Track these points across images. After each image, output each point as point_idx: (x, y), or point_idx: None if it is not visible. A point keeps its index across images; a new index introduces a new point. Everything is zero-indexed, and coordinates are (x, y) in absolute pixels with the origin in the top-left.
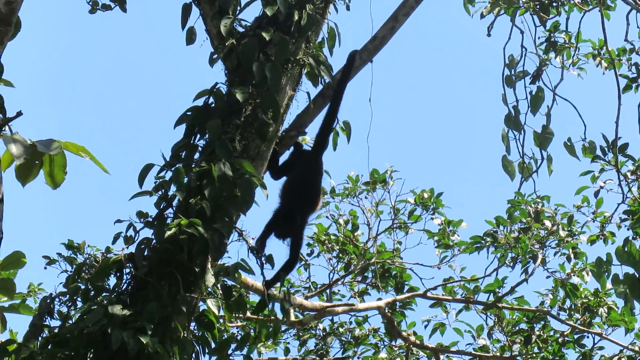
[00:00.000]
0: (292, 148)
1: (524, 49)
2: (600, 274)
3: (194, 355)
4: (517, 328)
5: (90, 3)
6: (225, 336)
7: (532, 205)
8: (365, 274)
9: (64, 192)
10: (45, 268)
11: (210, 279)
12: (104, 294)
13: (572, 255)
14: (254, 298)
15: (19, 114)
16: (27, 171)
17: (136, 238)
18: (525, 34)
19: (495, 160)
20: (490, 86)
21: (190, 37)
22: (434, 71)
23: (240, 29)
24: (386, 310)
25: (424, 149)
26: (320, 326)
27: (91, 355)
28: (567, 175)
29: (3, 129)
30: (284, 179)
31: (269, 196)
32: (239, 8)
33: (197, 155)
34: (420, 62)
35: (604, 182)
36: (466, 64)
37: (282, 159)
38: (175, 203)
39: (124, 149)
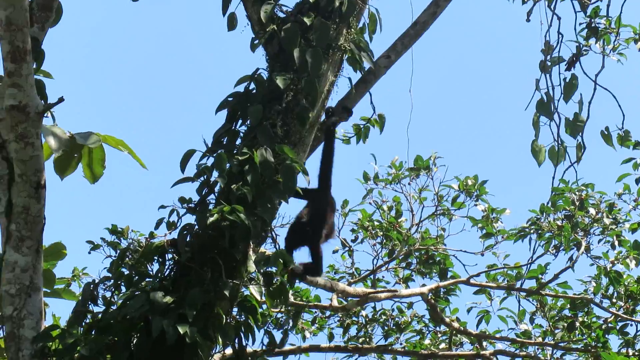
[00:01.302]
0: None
1: (560, 35)
2: None
3: (236, 340)
4: (560, 314)
5: None
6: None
7: (576, 193)
8: (409, 260)
9: (108, 177)
10: (89, 253)
11: (251, 266)
12: (147, 279)
13: (616, 243)
14: (297, 284)
15: (61, 99)
16: (66, 163)
17: (179, 224)
18: (565, 19)
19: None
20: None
21: (232, 23)
22: (475, 56)
23: (282, 15)
24: (429, 297)
25: (469, 135)
26: (363, 313)
27: (134, 341)
28: (608, 163)
29: (45, 114)
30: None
31: (310, 182)
32: None
33: (238, 141)
34: (460, 47)
35: None
36: (508, 50)
37: None
38: (217, 189)
39: (166, 135)
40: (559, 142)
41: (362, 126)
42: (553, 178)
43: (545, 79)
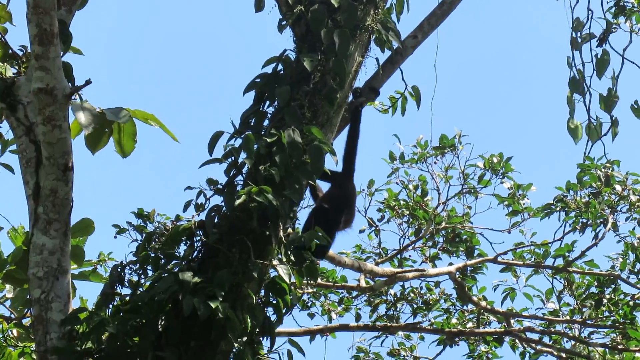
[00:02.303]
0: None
1: (590, 12)
2: None
3: (265, 321)
4: (587, 292)
5: None
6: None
7: (602, 170)
8: (436, 239)
9: (134, 161)
10: (115, 237)
11: (281, 248)
12: (174, 261)
13: None
14: (324, 265)
15: (88, 82)
16: (97, 139)
17: (206, 205)
18: None
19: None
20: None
21: (259, 4)
22: (500, 35)
23: None
24: (457, 275)
25: (493, 113)
26: (391, 292)
27: (162, 323)
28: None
29: (73, 96)
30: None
31: (338, 162)
32: None
33: (266, 123)
34: (488, 26)
35: None
36: (534, 28)
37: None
38: (244, 170)
39: (193, 117)
40: (595, 119)
41: (398, 99)
42: (585, 154)
43: (573, 56)
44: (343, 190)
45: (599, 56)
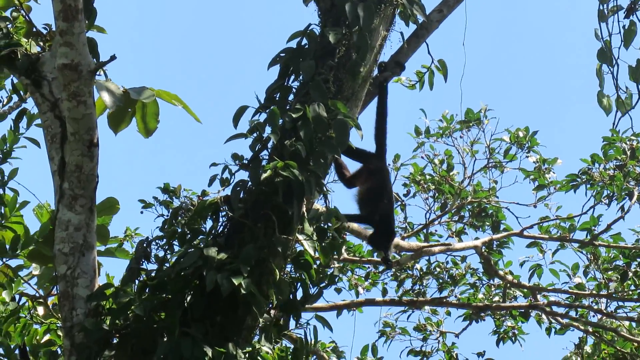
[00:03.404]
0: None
1: None
2: None
3: (290, 295)
4: (613, 265)
5: None
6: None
7: (627, 143)
8: (462, 214)
9: (159, 137)
10: (141, 212)
11: (306, 223)
12: (201, 237)
13: None
14: (351, 239)
15: (113, 57)
16: (120, 119)
17: (232, 180)
18: None
19: (589, 98)
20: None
21: None
22: (528, 7)
23: None
24: (483, 250)
25: (519, 86)
26: (417, 266)
27: (188, 299)
28: None
29: (97, 73)
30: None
31: (363, 137)
32: None
33: (291, 97)
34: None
35: None
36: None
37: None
38: (270, 145)
39: (218, 92)
40: (625, 90)
41: (425, 73)
42: (614, 126)
43: (601, 28)
44: (383, 176)
45: (626, 27)
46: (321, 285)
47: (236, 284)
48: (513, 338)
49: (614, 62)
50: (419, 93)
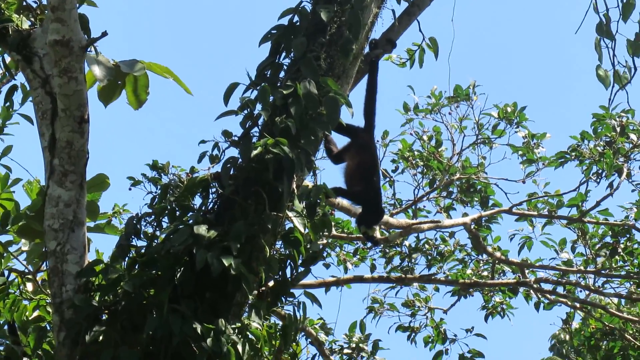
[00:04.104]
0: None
1: None
2: None
3: (280, 272)
4: (601, 242)
5: None
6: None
7: (617, 120)
8: (450, 189)
9: (148, 114)
10: (130, 189)
11: (296, 200)
12: (190, 213)
13: None
14: (339, 215)
15: (104, 34)
16: (110, 92)
17: (222, 157)
18: None
19: (578, 73)
20: None
21: None
22: None
23: None
24: (472, 226)
25: (507, 62)
26: (406, 243)
27: (177, 275)
28: None
29: (88, 49)
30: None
31: (354, 114)
32: None
33: (282, 74)
34: None
35: None
36: None
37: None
38: (260, 122)
39: (209, 69)
40: (624, 64)
41: (415, 51)
42: (611, 100)
43: (596, 1)
44: (370, 151)
45: (625, 1)
46: (309, 260)
47: (226, 264)
48: (502, 313)
49: (613, 35)
50: (412, 70)
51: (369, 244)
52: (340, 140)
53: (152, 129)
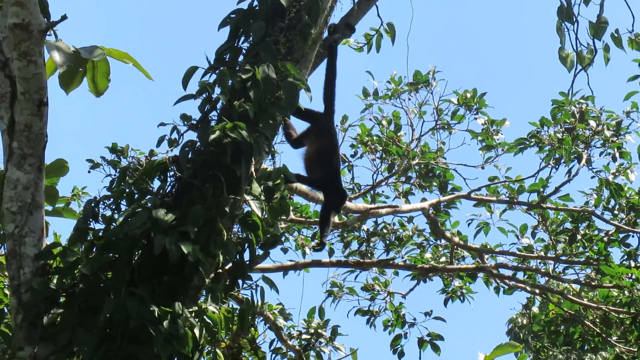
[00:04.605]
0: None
1: None
2: None
3: (237, 256)
4: (561, 228)
5: None
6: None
7: (577, 106)
8: (409, 174)
9: (108, 97)
10: (89, 172)
11: (254, 184)
12: (148, 196)
13: (617, 155)
14: (298, 200)
15: (64, 17)
16: (71, 78)
17: (180, 141)
18: None
19: (539, 60)
20: None
21: None
22: None
23: None
24: (430, 211)
25: (467, 49)
26: (364, 227)
27: (135, 259)
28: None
29: (48, 33)
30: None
31: (312, 98)
32: None
33: (241, 58)
34: None
35: None
36: None
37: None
38: (219, 106)
39: (169, 53)
40: (586, 46)
41: (373, 36)
42: (573, 82)
43: None
44: (330, 135)
45: None
46: (268, 244)
47: (185, 251)
48: (461, 297)
49: (574, 18)
50: (369, 56)
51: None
52: (300, 126)
53: (113, 113)
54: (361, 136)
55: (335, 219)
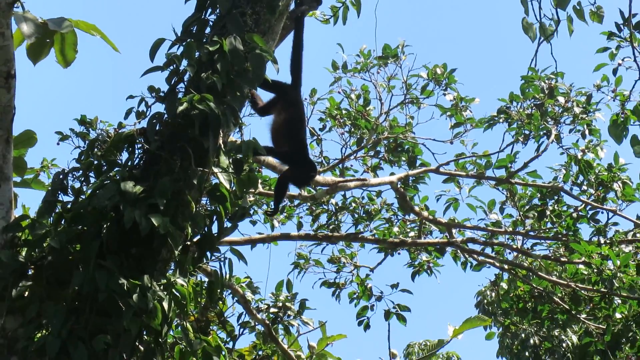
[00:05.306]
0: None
1: None
2: (619, 134)
3: (206, 228)
4: (530, 203)
5: None
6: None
7: (546, 82)
8: (378, 149)
9: (77, 70)
10: (58, 144)
11: (222, 156)
12: (117, 169)
13: (586, 132)
14: (266, 173)
15: None
16: (39, 50)
17: (148, 113)
18: None
19: (509, 36)
20: None
21: None
22: None
23: None
24: (398, 185)
25: (437, 23)
26: (333, 201)
27: (104, 231)
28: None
29: (15, 5)
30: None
31: (279, 70)
32: None
33: (208, 31)
34: None
35: (622, 60)
36: None
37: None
38: (186, 78)
39: (134, 25)
40: (550, 17)
41: (340, 8)
42: (536, 53)
43: None
44: (298, 109)
45: None
46: (236, 216)
47: (156, 224)
48: (429, 271)
49: None
50: (339, 29)
51: (297, 202)
52: (267, 98)
53: (81, 85)
54: (330, 109)
55: (304, 191)
